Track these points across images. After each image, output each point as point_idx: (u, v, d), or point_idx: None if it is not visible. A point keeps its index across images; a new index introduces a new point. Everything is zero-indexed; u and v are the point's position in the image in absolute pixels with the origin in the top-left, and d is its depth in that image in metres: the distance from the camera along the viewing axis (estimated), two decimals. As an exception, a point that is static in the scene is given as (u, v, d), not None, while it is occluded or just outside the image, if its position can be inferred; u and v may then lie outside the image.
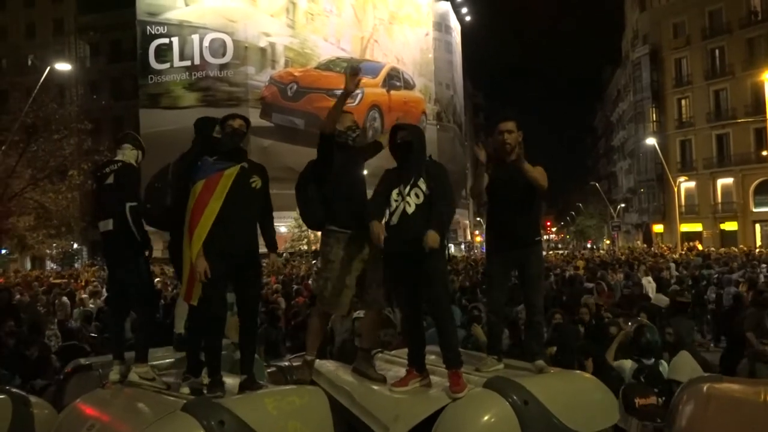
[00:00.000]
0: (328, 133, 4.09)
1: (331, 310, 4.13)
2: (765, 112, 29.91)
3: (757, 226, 40.12)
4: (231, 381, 3.88)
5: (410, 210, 3.81)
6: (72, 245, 37.26)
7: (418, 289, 3.86)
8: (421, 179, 3.84)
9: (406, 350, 4.06)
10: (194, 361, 3.99)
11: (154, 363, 4.35)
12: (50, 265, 39.67)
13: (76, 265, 36.97)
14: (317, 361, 4.31)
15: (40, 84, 22.70)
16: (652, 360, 5.16)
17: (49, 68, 22.97)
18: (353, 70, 4.04)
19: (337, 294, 4.07)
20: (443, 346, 3.78)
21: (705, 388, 2.71)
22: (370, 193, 4.06)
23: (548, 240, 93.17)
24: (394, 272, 3.93)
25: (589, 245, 65.25)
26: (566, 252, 40.12)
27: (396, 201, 3.85)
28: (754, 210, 40.16)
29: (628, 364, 5.22)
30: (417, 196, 3.83)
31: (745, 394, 2.66)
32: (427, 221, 3.74)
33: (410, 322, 4.04)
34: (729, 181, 42.10)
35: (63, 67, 25.07)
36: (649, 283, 12.90)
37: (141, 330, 4.51)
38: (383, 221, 3.86)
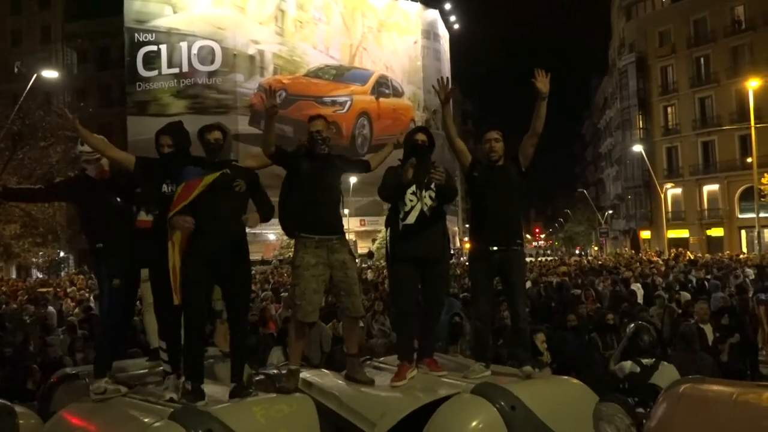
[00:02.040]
0: (267, 154, 4.11)
1: (300, 316, 4.06)
2: (749, 120, 30.27)
3: (743, 232, 40.49)
4: (220, 389, 3.88)
5: (427, 211, 4.06)
6: (58, 253, 36.95)
7: (418, 288, 4.15)
8: (433, 182, 4.07)
9: (393, 357, 4.13)
10: (178, 362, 3.99)
11: (135, 373, 4.34)
12: (36, 273, 39.28)
13: (62, 274, 36.64)
14: (307, 371, 4.33)
15: (26, 91, 22.59)
16: (653, 360, 5.21)
17: (36, 75, 22.87)
18: (269, 92, 4.08)
19: (304, 300, 4.01)
20: (426, 336, 4.21)
21: (681, 389, 2.75)
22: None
23: (537, 246, 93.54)
24: (402, 271, 4.11)
25: (577, 251, 65.61)
26: (553, 259, 40.25)
27: (411, 201, 4.06)
28: (740, 216, 40.53)
29: (627, 365, 5.29)
30: (431, 198, 4.08)
31: (718, 394, 2.70)
32: (441, 224, 4.16)
33: (406, 318, 4.20)
34: (715, 187, 42.50)
35: (50, 74, 24.97)
36: (638, 290, 12.95)
37: (97, 344, 4.47)
38: (398, 219, 4.10)
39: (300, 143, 4.25)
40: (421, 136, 4.20)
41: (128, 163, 4.06)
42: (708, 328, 6.77)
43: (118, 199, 4.27)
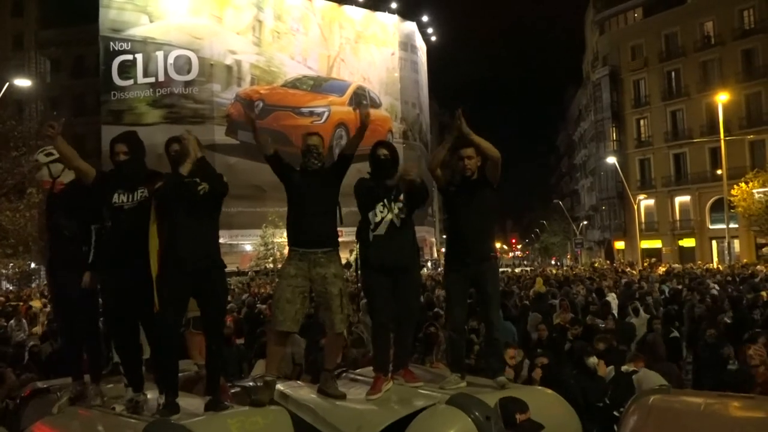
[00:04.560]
0: (266, 155, 4.17)
1: (275, 326, 4.12)
2: (719, 132, 30.95)
3: (714, 243, 41.24)
4: (195, 402, 3.85)
5: (398, 223, 4.13)
6: (29, 265, 36.22)
7: (392, 299, 4.17)
8: (402, 194, 4.14)
9: (368, 369, 4.15)
10: (134, 377, 3.97)
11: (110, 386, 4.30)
12: (6, 284, 38.44)
13: (33, 285, 35.91)
14: (283, 382, 4.33)
15: (-2, 100, 22.23)
16: (631, 368, 5.38)
17: (7, 84, 22.53)
18: (247, 104, 4.20)
19: (277, 308, 4.08)
20: (400, 346, 4.21)
21: (650, 400, 2.81)
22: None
23: (514, 257, 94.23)
24: (375, 282, 4.15)
25: (553, 262, 66.21)
26: (530, 269, 40.62)
27: (382, 212, 4.12)
28: (711, 227, 41.30)
29: (609, 370, 5.48)
30: (400, 210, 4.15)
31: (685, 405, 2.76)
32: (410, 235, 4.22)
33: (382, 329, 4.24)
34: (686, 198, 43.29)
35: (23, 82, 24.62)
36: (613, 300, 13.08)
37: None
38: (368, 230, 4.13)
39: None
40: (382, 151, 4.28)
41: (89, 175, 4.05)
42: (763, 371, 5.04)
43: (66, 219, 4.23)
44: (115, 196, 3.96)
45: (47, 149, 4.32)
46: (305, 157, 4.19)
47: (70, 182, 4.27)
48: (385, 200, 4.15)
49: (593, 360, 5.80)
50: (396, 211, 4.15)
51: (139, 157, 4.06)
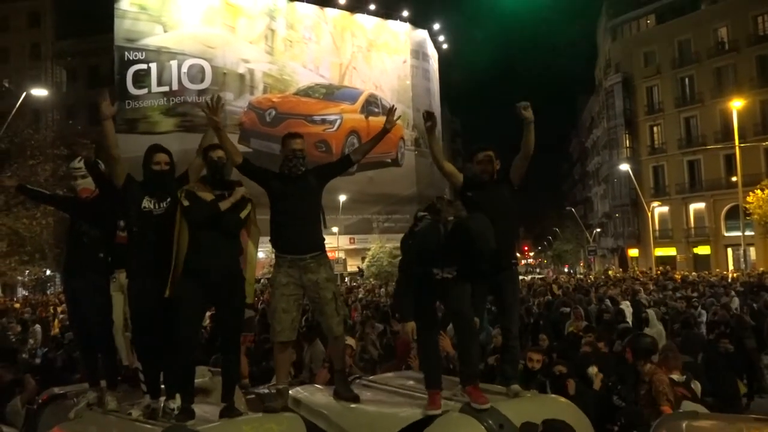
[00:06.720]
0: (235, 165, 4.18)
1: (273, 336, 4.10)
2: (734, 139, 30.69)
3: (729, 250, 40.82)
4: (210, 408, 3.88)
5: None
6: (45, 272, 36.57)
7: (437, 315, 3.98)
8: (456, 262, 3.77)
9: (384, 375, 4.15)
10: (152, 383, 4.00)
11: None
12: (22, 291, 38.83)
13: (48, 292, 36.23)
14: (296, 388, 4.35)
15: (15, 109, 22.52)
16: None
17: (25, 93, 22.82)
18: (210, 105, 4.21)
19: (274, 319, 4.07)
20: (462, 360, 3.87)
21: (683, 426, 2.77)
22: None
23: (527, 264, 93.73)
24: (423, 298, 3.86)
25: (566, 269, 65.81)
26: (544, 277, 40.42)
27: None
28: (726, 234, 40.89)
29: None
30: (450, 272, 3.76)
31: (721, 430, 2.73)
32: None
33: (430, 345, 3.93)
34: (701, 205, 42.92)
35: (39, 92, 24.91)
36: (627, 308, 12.98)
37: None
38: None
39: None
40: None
41: (122, 173, 4.13)
42: None
43: (89, 223, 4.35)
44: (145, 201, 4.02)
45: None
46: (291, 162, 4.12)
47: (99, 193, 4.36)
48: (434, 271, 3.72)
49: (591, 370, 5.75)
50: (446, 274, 3.73)
51: (174, 171, 4.18)
